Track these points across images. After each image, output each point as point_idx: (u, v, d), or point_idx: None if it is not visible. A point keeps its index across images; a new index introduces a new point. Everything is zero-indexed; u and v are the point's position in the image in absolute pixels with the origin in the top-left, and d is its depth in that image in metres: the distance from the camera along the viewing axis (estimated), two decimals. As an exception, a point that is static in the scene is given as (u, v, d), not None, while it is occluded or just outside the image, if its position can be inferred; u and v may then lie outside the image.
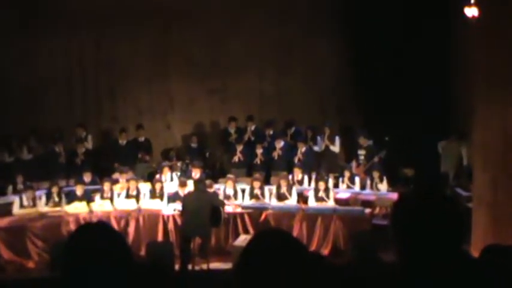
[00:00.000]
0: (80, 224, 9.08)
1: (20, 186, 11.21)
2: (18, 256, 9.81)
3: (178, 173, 12.41)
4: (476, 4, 9.46)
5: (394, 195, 10.81)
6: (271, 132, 13.61)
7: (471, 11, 9.66)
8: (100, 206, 10.61)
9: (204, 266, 9.56)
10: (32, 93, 14.26)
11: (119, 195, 10.94)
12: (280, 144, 12.82)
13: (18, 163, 12.80)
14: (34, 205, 10.53)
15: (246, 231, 10.15)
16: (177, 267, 9.27)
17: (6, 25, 13.74)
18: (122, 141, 13.48)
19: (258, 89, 14.89)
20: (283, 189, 10.95)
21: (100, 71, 14.86)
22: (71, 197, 10.79)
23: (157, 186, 11.00)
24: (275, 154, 12.81)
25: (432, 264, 2.08)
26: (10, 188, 11.37)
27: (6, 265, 9.69)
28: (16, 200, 10.56)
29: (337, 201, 10.91)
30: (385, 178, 11.59)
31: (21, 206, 10.47)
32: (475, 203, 9.11)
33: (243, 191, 11.16)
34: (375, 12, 13.38)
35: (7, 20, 13.72)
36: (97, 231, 2.19)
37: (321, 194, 10.78)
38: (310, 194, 10.94)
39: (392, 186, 11.83)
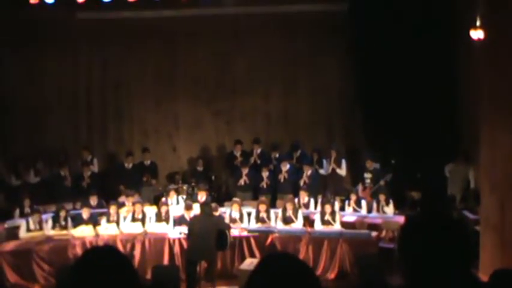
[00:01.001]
0: (86, 248, 9.09)
1: (27, 209, 11.21)
2: (24, 280, 9.78)
3: (184, 196, 12.41)
4: (482, 27, 9.50)
5: (401, 219, 10.77)
6: (277, 155, 13.61)
7: (477, 34, 9.70)
8: (106, 230, 10.59)
9: (210, 290, 9.52)
10: (38, 114, 14.39)
11: (125, 218, 10.93)
12: (286, 167, 12.82)
13: (25, 186, 12.85)
14: (41, 228, 10.52)
15: (252, 255, 10.10)
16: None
17: (11, 43, 13.87)
18: (128, 165, 13.51)
19: (263, 110, 14.95)
20: (289, 213, 10.92)
21: (106, 92, 14.98)
22: (77, 221, 10.78)
23: (163, 209, 10.98)
24: (281, 177, 12.80)
25: (439, 288, 2.07)
26: (17, 211, 11.38)
27: (12, 289, 9.68)
28: (23, 223, 10.56)
29: (344, 224, 10.87)
30: (391, 201, 11.54)
31: (28, 229, 10.47)
32: (482, 225, 9.06)
33: (249, 214, 11.13)
34: (380, 35, 13.43)
35: (14, 40, 13.86)
36: (104, 254, 2.19)
37: (327, 217, 10.74)
38: (316, 217, 10.90)
39: (398, 209, 11.78)
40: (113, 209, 10.91)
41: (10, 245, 10.11)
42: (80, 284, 2.08)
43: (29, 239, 10.31)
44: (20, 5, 12.93)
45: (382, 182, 12.35)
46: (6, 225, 10.93)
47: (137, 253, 10.15)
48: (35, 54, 14.20)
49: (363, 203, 11.70)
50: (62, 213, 10.78)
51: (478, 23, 9.71)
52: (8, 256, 9.80)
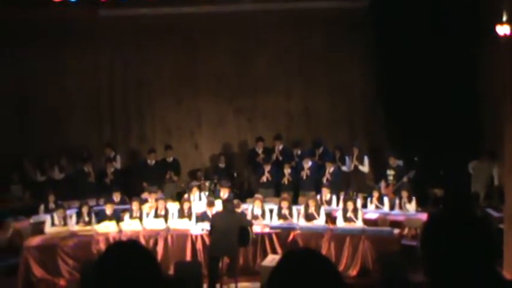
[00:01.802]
0: (110, 243, 9.18)
1: (52, 205, 11.35)
2: (50, 274, 9.92)
3: (207, 193, 12.46)
4: (508, 22, 9.38)
5: (423, 216, 10.70)
6: (299, 152, 13.60)
7: (503, 29, 9.58)
8: (129, 226, 10.68)
9: (232, 286, 9.54)
10: (61, 113, 14.52)
11: (147, 214, 11.01)
12: (308, 164, 12.80)
13: (50, 182, 13.02)
14: (65, 224, 10.64)
15: (274, 251, 10.11)
16: (205, 286, 9.27)
17: (35, 43, 14.03)
18: (151, 162, 13.60)
19: (285, 107, 14.94)
20: (312, 210, 10.90)
21: (128, 91, 15.08)
22: (101, 217, 10.88)
23: (185, 206, 11.03)
24: (303, 174, 12.79)
25: (463, 286, 2.05)
26: (42, 207, 11.53)
27: (38, 283, 9.81)
28: (48, 219, 10.69)
29: (366, 221, 10.82)
30: (414, 198, 11.46)
31: (53, 224, 10.59)
32: (506, 223, 8.98)
33: (271, 211, 11.14)
34: (401, 32, 13.34)
35: (35, 39, 14.02)
36: (127, 248, 2.21)
37: (349, 214, 10.71)
38: (339, 214, 10.88)
39: (421, 206, 11.71)
40: (135, 205, 10.99)
41: (36, 240, 10.25)
42: (104, 278, 2.11)
43: (53, 234, 10.43)
44: (42, 3, 13.08)
45: (405, 179, 12.27)
46: (31, 221, 11.10)
47: (160, 249, 10.22)
48: (57, 52, 14.33)
49: (385, 200, 11.64)
50: (85, 209, 10.88)
51: (504, 18, 9.59)
52: (33, 251, 9.94)
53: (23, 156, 13.72)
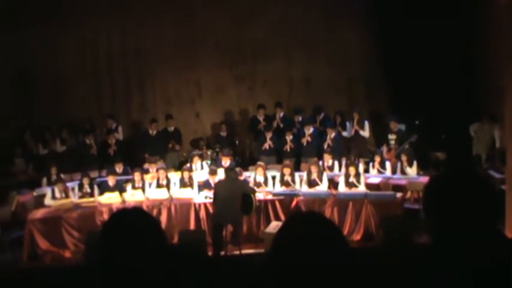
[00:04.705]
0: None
1: (54, 177, 11.38)
2: (55, 246, 9.98)
3: (209, 162, 12.48)
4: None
5: (425, 179, 10.67)
6: (300, 118, 13.58)
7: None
8: (132, 196, 10.70)
9: (237, 253, 9.60)
10: (61, 85, 14.46)
11: (150, 184, 11.03)
12: (309, 130, 12.80)
13: (52, 155, 13.04)
14: (67, 196, 10.67)
15: (278, 218, 10.16)
16: (209, 254, 9.33)
17: (33, 16, 13.91)
18: (152, 132, 13.60)
19: (285, 74, 14.89)
20: (314, 176, 10.93)
21: (128, 61, 14.99)
22: (104, 188, 10.92)
23: (186, 175, 11.04)
24: (304, 140, 12.79)
25: (466, 245, 2.06)
26: (45, 180, 11.56)
27: (43, 255, 9.88)
28: (48, 191, 10.73)
29: (368, 186, 10.84)
30: (415, 162, 11.46)
31: (54, 197, 10.63)
32: (508, 184, 8.99)
33: (274, 178, 11.15)
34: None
35: (34, 10, 13.89)
36: (132, 216, 2.22)
37: (352, 179, 10.73)
38: (341, 180, 10.90)
39: (423, 169, 11.72)
40: (137, 176, 11.01)
41: (39, 213, 10.29)
42: (109, 245, 2.12)
43: (57, 206, 10.47)
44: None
45: (407, 144, 12.23)
46: (35, 194, 11.15)
47: (163, 218, 10.25)
48: (56, 24, 14.21)
49: (387, 164, 11.65)
50: (86, 181, 10.90)
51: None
52: (38, 224, 9.99)
53: (25, 129, 13.74)
